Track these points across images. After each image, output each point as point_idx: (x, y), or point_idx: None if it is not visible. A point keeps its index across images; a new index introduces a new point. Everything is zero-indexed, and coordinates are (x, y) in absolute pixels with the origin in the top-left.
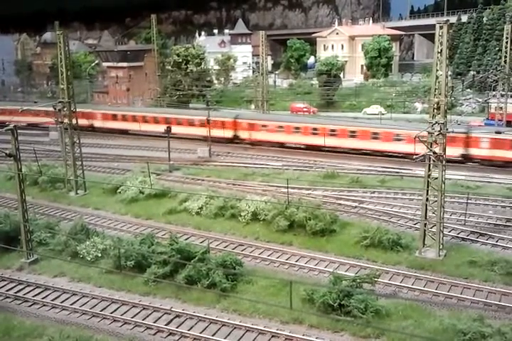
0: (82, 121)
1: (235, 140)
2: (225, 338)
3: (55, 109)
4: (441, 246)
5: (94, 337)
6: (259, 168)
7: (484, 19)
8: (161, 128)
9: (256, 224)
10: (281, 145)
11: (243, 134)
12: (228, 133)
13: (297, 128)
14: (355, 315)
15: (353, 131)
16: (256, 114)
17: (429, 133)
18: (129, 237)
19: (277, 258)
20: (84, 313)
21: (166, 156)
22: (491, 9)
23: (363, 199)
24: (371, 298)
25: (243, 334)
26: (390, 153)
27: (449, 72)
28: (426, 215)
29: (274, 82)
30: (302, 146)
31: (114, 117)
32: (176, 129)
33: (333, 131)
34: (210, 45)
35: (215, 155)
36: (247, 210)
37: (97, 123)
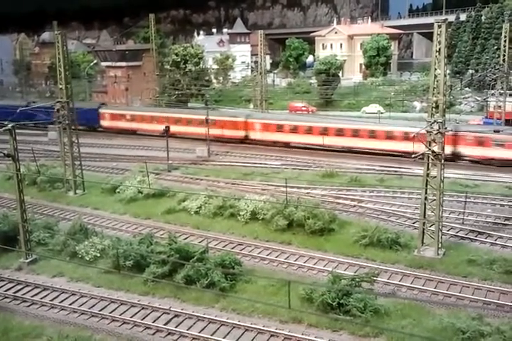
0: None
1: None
2: (224, 337)
3: (53, 108)
4: (440, 245)
5: (93, 336)
6: (258, 168)
7: (483, 18)
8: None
9: (255, 224)
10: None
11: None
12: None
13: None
14: (354, 314)
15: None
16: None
17: (427, 131)
18: (127, 237)
19: (276, 257)
20: (83, 313)
21: (165, 156)
22: (489, 8)
23: (362, 198)
24: (370, 297)
25: (242, 334)
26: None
27: (448, 71)
28: (425, 214)
29: (273, 81)
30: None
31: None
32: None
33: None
34: (208, 45)
35: (214, 154)
36: (246, 209)
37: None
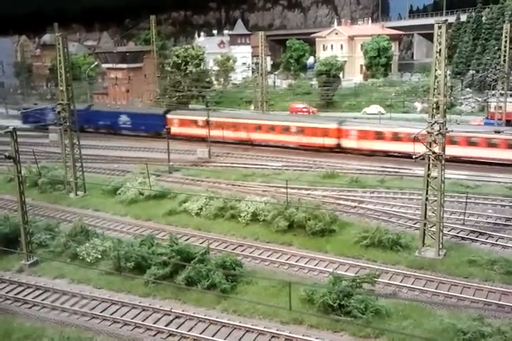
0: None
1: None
2: (224, 339)
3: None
4: (440, 246)
5: (94, 338)
6: (259, 169)
7: (483, 18)
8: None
9: (256, 225)
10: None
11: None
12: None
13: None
14: (355, 315)
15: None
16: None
17: (428, 132)
18: (128, 238)
19: (277, 258)
20: (84, 315)
21: (166, 157)
22: (490, 8)
23: (363, 199)
24: (371, 298)
25: (243, 335)
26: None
27: (448, 72)
28: (425, 215)
29: (274, 82)
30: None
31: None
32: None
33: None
34: (209, 46)
35: (215, 156)
36: (247, 211)
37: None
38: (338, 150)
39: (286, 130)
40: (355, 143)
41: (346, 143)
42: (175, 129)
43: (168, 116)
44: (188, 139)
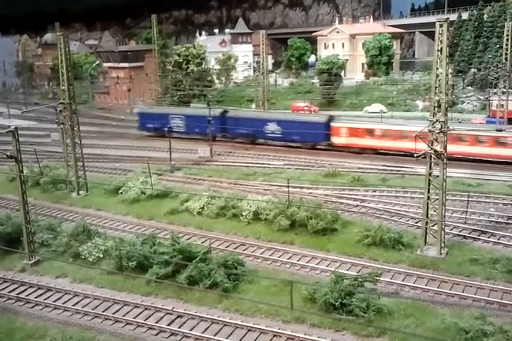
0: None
1: None
2: (227, 338)
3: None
4: (442, 245)
5: (96, 337)
6: (261, 168)
7: (485, 16)
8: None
9: (257, 224)
10: None
11: None
12: None
13: None
14: (356, 314)
15: None
16: None
17: (429, 131)
18: (130, 238)
19: (279, 257)
20: (86, 314)
21: (168, 156)
22: (491, 6)
23: (365, 197)
24: (373, 297)
25: (245, 334)
26: None
27: (450, 70)
28: (427, 213)
29: (275, 81)
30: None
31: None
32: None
33: None
34: (210, 45)
35: (216, 154)
36: (249, 210)
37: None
38: None
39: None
40: None
41: None
42: (341, 140)
43: (333, 124)
44: (358, 152)
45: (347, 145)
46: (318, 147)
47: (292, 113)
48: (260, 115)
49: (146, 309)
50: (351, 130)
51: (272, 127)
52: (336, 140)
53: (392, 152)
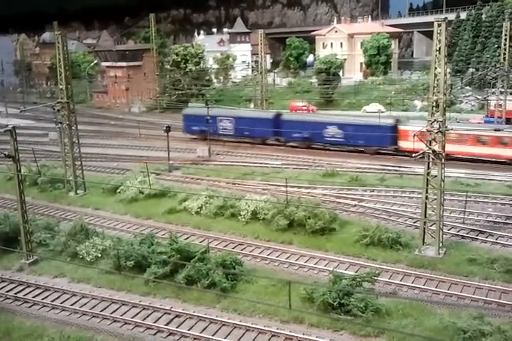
0: None
1: None
2: (225, 338)
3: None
4: (440, 244)
5: (94, 337)
6: (259, 167)
7: (483, 16)
8: None
9: (255, 224)
10: None
11: None
12: None
13: None
14: (355, 314)
15: None
16: None
17: (428, 131)
18: (128, 237)
19: (277, 257)
20: (84, 314)
21: (166, 156)
22: (489, 6)
23: (363, 197)
24: (371, 297)
25: (243, 334)
26: None
27: (448, 70)
28: (425, 213)
29: (274, 80)
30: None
31: None
32: None
33: None
34: (209, 44)
35: (215, 154)
36: (247, 209)
37: None
38: None
39: None
40: None
41: None
42: (410, 144)
43: (401, 127)
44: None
45: (417, 150)
46: (384, 151)
47: (353, 116)
48: (319, 118)
49: (144, 309)
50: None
51: (332, 131)
52: (403, 144)
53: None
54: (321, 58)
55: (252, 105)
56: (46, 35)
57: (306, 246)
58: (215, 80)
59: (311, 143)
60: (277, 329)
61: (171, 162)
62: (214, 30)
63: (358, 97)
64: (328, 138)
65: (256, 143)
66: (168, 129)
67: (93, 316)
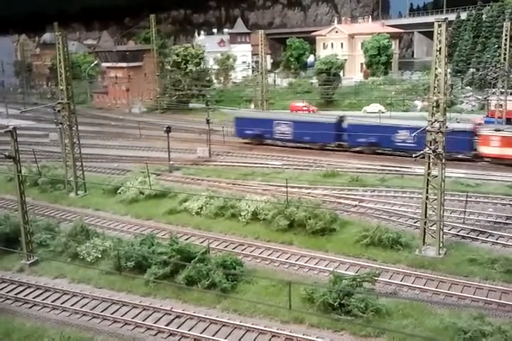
0: None
1: None
2: (225, 338)
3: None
4: (441, 245)
5: (94, 338)
6: (259, 168)
7: (483, 16)
8: None
9: (256, 224)
10: None
11: None
12: None
13: None
14: (355, 314)
15: None
16: None
17: (428, 131)
18: (129, 238)
19: (277, 257)
20: (84, 314)
21: (166, 156)
22: (490, 6)
23: (363, 198)
24: (371, 297)
25: (243, 334)
26: None
27: (449, 70)
28: (426, 213)
29: (274, 81)
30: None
31: None
32: None
33: None
34: (209, 45)
35: (215, 154)
36: (247, 210)
37: None
38: None
39: None
40: None
41: None
42: (491, 150)
43: (482, 132)
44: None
45: (500, 156)
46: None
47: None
48: (389, 122)
49: (144, 309)
50: (507, 139)
51: (403, 135)
52: (484, 150)
53: None
54: (321, 59)
55: (252, 106)
56: (46, 36)
57: (306, 246)
58: (215, 81)
59: (378, 148)
60: (277, 329)
61: (171, 162)
62: (214, 30)
63: (359, 97)
64: (398, 144)
65: (315, 148)
66: (168, 130)
67: (93, 317)
